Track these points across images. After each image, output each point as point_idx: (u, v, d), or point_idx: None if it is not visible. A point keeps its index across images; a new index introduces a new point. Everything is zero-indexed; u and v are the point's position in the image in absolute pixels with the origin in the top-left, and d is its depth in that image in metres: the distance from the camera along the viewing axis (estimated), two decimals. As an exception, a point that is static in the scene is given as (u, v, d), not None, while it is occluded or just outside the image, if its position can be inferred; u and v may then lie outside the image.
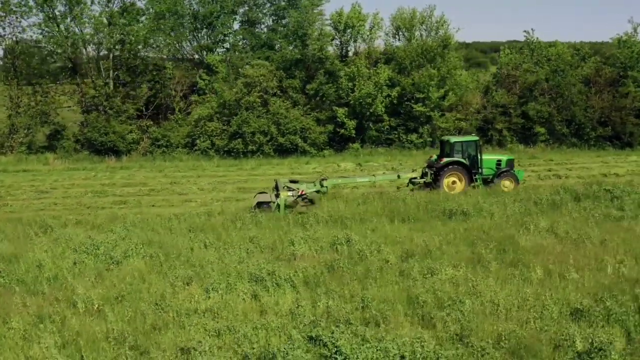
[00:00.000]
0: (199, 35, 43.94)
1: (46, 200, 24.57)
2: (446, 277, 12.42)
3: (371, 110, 37.60)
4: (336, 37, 39.66)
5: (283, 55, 38.65)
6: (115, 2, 40.39)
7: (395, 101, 38.68)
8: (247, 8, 43.84)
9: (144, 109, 40.12)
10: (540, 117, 39.64)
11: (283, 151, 37.13)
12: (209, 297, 11.78)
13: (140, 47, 41.11)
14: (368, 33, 40.00)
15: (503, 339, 9.42)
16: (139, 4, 41.70)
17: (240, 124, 36.65)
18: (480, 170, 23.49)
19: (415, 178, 23.80)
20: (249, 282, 12.25)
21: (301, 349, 8.96)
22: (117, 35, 39.90)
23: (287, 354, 8.72)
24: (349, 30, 39.44)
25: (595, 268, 13.27)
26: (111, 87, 39.82)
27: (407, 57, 39.10)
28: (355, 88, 37.28)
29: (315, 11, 39.51)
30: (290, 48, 38.65)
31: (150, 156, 37.57)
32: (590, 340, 9.09)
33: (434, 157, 24.76)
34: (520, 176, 23.99)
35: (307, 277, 12.71)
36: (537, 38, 42.40)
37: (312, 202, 21.66)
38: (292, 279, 12.25)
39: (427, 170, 23.96)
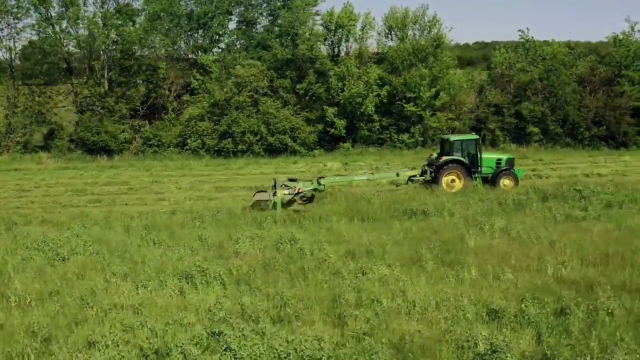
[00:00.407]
0: (195, 35, 44.37)
1: (25, 199, 25.05)
2: (377, 277, 12.40)
3: (361, 110, 37.57)
4: (328, 37, 39.66)
5: (274, 55, 38.80)
6: (110, 2, 40.96)
7: (386, 100, 38.60)
8: (243, 8, 44.12)
9: (140, 109, 40.56)
10: (534, 117, 39.25)
11: (273, 151, 37.29)
12: (138, 293, 11.94)
13: (135, 47, 41.66)
14: (360, 33, 39.96)
15: (406, 338, 9.39)
16: (135, 5, 42.24)
17: (230, 123, 36.89)
18: (479, 169, 23.49)
19: (414, 176, 23.74)
20: (179, 279, 12.37)
21: (199, 345, 9.05)
22: (112, 36, 40.52)
23: (183, 348, 8.82)
24: (340, 30, 39.41)
25: (536, 269, 13.16)
26: (106, 87, 40.40)
27: (398, 56, 39.00)
28: (345, 87, 37.27)
29: (311, 11, 39.69)
30: (282, 48, 38.70)
31: (141, 155, 38.01)
32: (490, 343, 9.02)
33: (434, 155, 24.71)
34: (519, 175, 23.78)
35: (241, 275, 12.80)
36: (532, 37, 42.03)
37: (310, 200, 21.58)
38: (222, 277, 12.34)
39: (427, 168, 23.92)
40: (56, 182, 29.05)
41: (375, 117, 38.09)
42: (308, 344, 8.50)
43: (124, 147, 38.56)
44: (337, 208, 19.47)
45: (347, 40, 39.65)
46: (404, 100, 38.23)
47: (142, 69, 41.54)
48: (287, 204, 20.99)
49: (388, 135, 39.09)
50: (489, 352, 8.66)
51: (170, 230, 16.72)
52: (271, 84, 38.33)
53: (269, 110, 36.97)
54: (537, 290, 11.57)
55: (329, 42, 39.57)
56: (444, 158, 23.37)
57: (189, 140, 37.97)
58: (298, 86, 38.01)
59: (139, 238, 15.93)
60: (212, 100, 38.08)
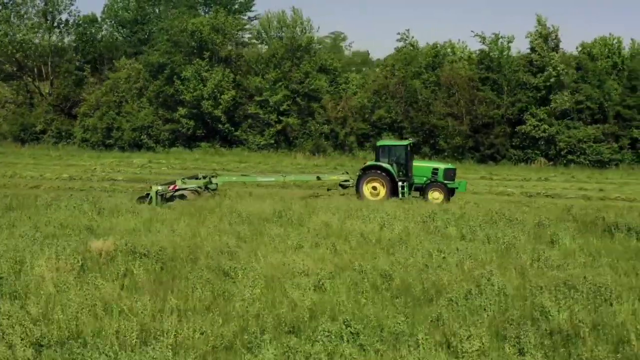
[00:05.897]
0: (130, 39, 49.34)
1: None
2: None
3: (209, 111, 38.98)
4: (190, 41, 41.19)
5: (147, 58, 42.04)
6: (49, 14, 47.59)
7: (238, 102, 39.52)
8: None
9: (66, 105, 46.74)
10: (384, 124, 36.97)
11: (134, 146, 40.64)
12: None
13: (69, 51, 47.93)
14: (217, 37, 40.74)
15: None
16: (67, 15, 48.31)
17: (97, 121, 41.16)
18: (410, 178, 21.45)
19: (347, 181, 22.26)
20: None
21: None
22: (47, 41, 47.44)
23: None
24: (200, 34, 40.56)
25: None
26: (48, 87, 47.34)
27: (255, 60, 39.60)
28: (192, 89, 39.03)
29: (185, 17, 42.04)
30: (154, 52, 41.76)
31: (47, 145, 44.10)
32: None
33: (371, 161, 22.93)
34: (462, 188, 21.70)
35: None
36: (413, 37, 39.14)
37: (182, 197, 20.46)
38: None
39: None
40: None
41: (223, 118, 39.18)
42: None
43: (36, 137, 44.97)
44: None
45: (206, 43, 40.43)
46: (251, 103, 38.82)
47: (70, 70, 47.41)
48: (170, 199, 20.11)
49: (244, 137, 39.99)
50: None
51: None
52: (143, 84, 41.61)
53: (130, 110, 40.40)
54: None
55: (197, 46, 41.01)
56: (367, 163, 22.19)
57: (77, 134, 43.06)
58: (151, 87, 40.63)
59: None
60: (96, 98, 42.64)
